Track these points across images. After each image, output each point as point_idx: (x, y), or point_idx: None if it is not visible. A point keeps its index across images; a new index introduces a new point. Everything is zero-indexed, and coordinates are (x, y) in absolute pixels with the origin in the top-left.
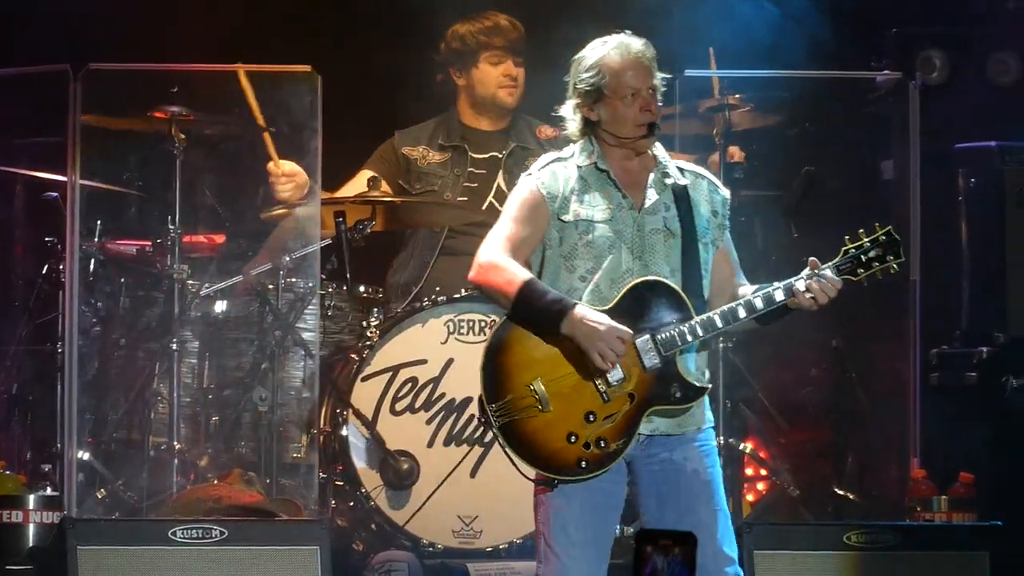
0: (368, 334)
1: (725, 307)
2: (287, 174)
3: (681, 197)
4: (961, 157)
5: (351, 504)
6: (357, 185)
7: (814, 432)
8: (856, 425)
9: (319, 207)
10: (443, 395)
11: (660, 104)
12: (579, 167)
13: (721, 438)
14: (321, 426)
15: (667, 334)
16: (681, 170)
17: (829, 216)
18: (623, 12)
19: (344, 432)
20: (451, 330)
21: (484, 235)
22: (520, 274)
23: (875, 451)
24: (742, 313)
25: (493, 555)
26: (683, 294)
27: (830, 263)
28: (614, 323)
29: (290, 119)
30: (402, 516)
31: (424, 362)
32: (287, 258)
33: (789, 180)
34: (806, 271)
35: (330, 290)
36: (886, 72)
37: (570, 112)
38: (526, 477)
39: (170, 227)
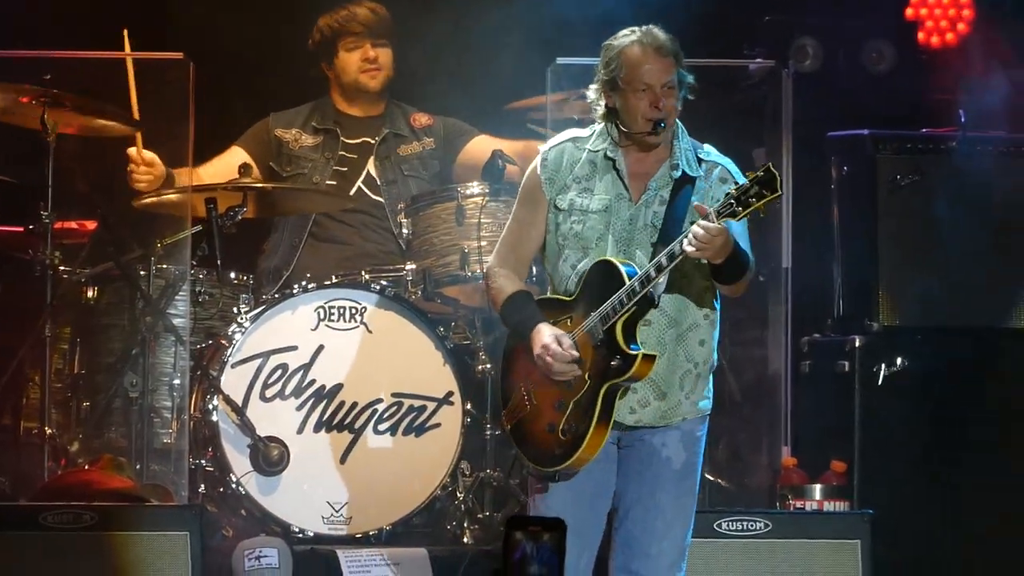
0: (239, 320)
1: (644, 270)
2: (146, 163)
3: (679, 191)
4: (833, 145)
5: (221, 490)
6: (226, 163)
7: None
8: (727, 413)
9: (191, 193)
10: (313, 381)
11: (683, 99)
12: (592, 151)
13: None
14: (192, 412)
15: (603, 309)
16: (700, 161)
17: None
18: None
19: (214, 418)
20: (321, 317)
21: (351, 221)
22: (506, 290)
23: (746, 439)
24: (653, 272)
25: (363, 541)
26: (619, 266)
27: (712, 209)
28: (549, 344)
29: (162, 106)
30: (272, 502)
31: (294, 348)
32: (158, 244)
33: None
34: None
35: (201, 276)
36: (759, 60)
37: (594, 95)
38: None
39: (42, 214)
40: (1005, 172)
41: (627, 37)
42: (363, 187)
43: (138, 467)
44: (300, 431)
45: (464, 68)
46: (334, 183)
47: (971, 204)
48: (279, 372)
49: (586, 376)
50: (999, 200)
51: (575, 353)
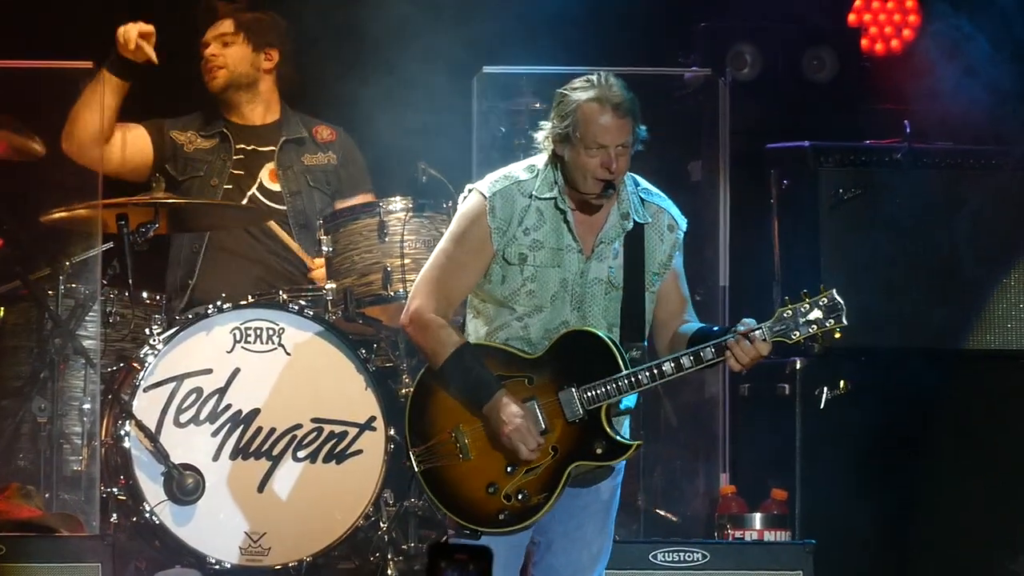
0: (151, 342)
1: (653, 364)
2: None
3: (634, 243)
4: (773, 157)
5: (134, 519)
6: (132, 140)
7: None
8: (663, 438)
9: (100, 209)
10: (229, 406)
11: (637, 151)
12: (538, 197)
13: None
14: (103, 438)
15: (592, 389)
16: (644, 202)
17: None
18: (421, 9)
19: (126, 444)
20: (237, 338)
21: (253, 233)
22: (449, 343)
23: (683, 466)
24: (669, 369)
25: (282, 573)
26: (613, 346)
27: (764, 325)
28: (524, 423)
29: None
30: (187, 532)
31: (209, 372)
32: (67, 262)
33: None
34: (736, 328)
35: (112, 296)
36: (694, 68)
37: (542, 138)
38: (451, 528)
39: None
40: (951, 185)
41: (585, 91)
42: (258, 195)
43: (47, 496)
44: (216, 458)
45: (382, 76)
46: (230, 187)
47: (916, 219)
48: (193, 396)
49: (551, 447)
50: (945, 215)
51: (542, 440)
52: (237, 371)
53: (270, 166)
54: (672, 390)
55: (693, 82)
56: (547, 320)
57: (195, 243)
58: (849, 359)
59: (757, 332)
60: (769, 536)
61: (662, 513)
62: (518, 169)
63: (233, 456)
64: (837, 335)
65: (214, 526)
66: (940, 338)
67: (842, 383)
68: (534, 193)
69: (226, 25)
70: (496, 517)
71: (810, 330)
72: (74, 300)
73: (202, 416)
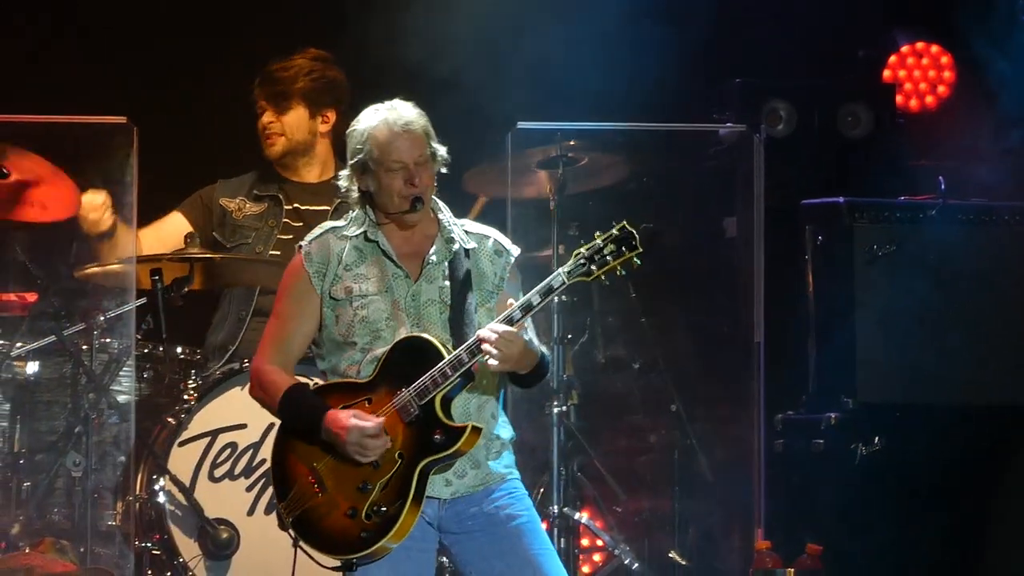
0: (185, 397)
1: (472, 341)
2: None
3: (458, 265)
4: (808, 213)
5: (168, 574)
6: (167, 230)
7: (654, 501)
8: (698, 493)
9: (135, 264)
10: (264, 461)
11: (443, 161)
12: (350, 237)
13: (555, 507)
14: (137, 492)
15: (418, 384)
16: (467, 232)
17: (669, 276)
18: (457, 61)
19: (161, 499)
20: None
21: None
22: (281, 386)
23: (718, 521)
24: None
25: None
26: (436, 342)
27: (561, 270)
28: (355, 423)
29: (104, 172)
30: None
31: (244, 426)
32: (101, 317)
33: None
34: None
35: (146, 351)
36: (729, 124)
37: (345, 182)
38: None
39: None
40: (986, 241)
41: (372, 117)
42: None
43: (81, 550)
44: (251, 512)
45: None
46: (278, 253)
47: (951, 275)
48: (228, 451)
49: (396, 455)
50: (980, 270)
51: (386, 438)
52: (271, 425)
53: None
54: (708, 446)
55: (728, 138)
56: (390, 341)
57: (241, 311)
58: (884, 415)
59: (558, 276)
60: None
61: (672, 555)
62: (333, 222)
63: (268, 511)
64: (636, 263)
65: None
66: (975, 394)
67: (877, 439)
68: (346, 234)
69: (282, 94)
70: (359, 538)
71: (607, 261)
72: (108, 355)
73: (237, 471)
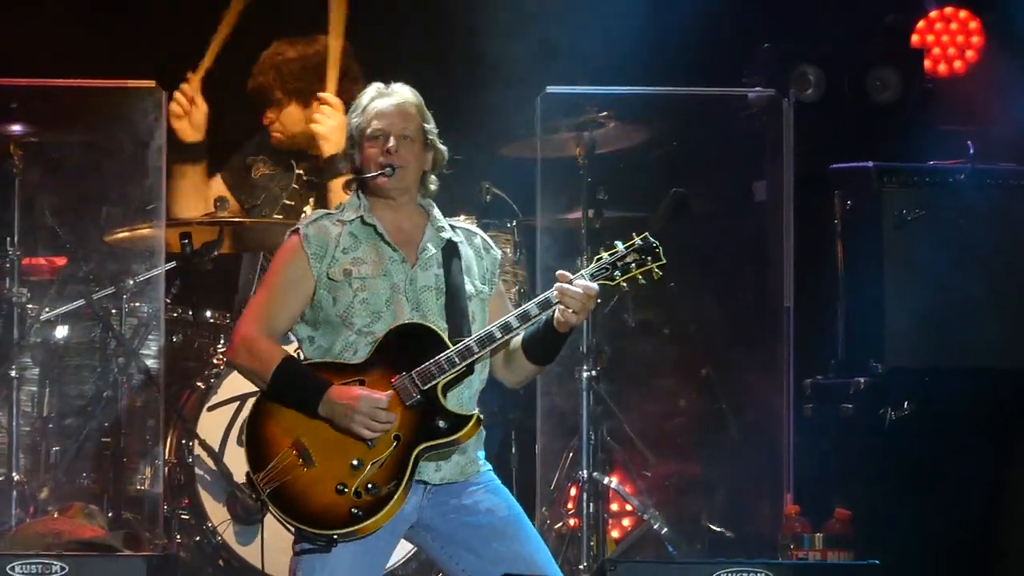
0: (215, 361)
1: (482, 331)
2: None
3: (450, 254)
4: (837, 178)
5: (197, 539)
6: (212, 194)
7: (683, 465)
8: (727, 458)
9: (164, 228)
10: None
11: (442, 160)
12: (346, 222)
13: (585, 472)
14: (166, 457)
15: (423, 369)
16: (454, 227)
17: (699, 239)
18: (484, 29)
19: (190, 463)
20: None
21: None
22: (275, 356)
23: (747, 485)
24: (499, 334)
25: None
26: (438, 330)
27: (583, 271)
28: (366, 393)
29: (134, 136)
30: (250, 552)
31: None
32: (131, 281)
33: (656, 202)
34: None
35: (175, 315)
36: (758, 89)
37: (344, 157)
38: (302, 543)
39: (8, 249)
40: (1015, 205)
41: (367, 92)
42: None
43: (110, 515)
44: None
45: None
46: (280, 217)
47: (980, 239)
48: None
49: (392, 436)
50: (1009, 234)
51: (393, 416)
52: None
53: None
54: (737, 411)
55: (757, 103)
56: (391, 322)
57: (249, 273)
58: (913, 379)
59: (579, 278)
60: (832, 557)
61: (716, 528)
62: (326, 209)
63: None
64: (657, 275)
65: (278, 545)
66: (1004, 357)
67: (906, 403)
68: (341, 219)
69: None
70: (349, 514)
71: (630, 269)
72: (137, 319)
73: None
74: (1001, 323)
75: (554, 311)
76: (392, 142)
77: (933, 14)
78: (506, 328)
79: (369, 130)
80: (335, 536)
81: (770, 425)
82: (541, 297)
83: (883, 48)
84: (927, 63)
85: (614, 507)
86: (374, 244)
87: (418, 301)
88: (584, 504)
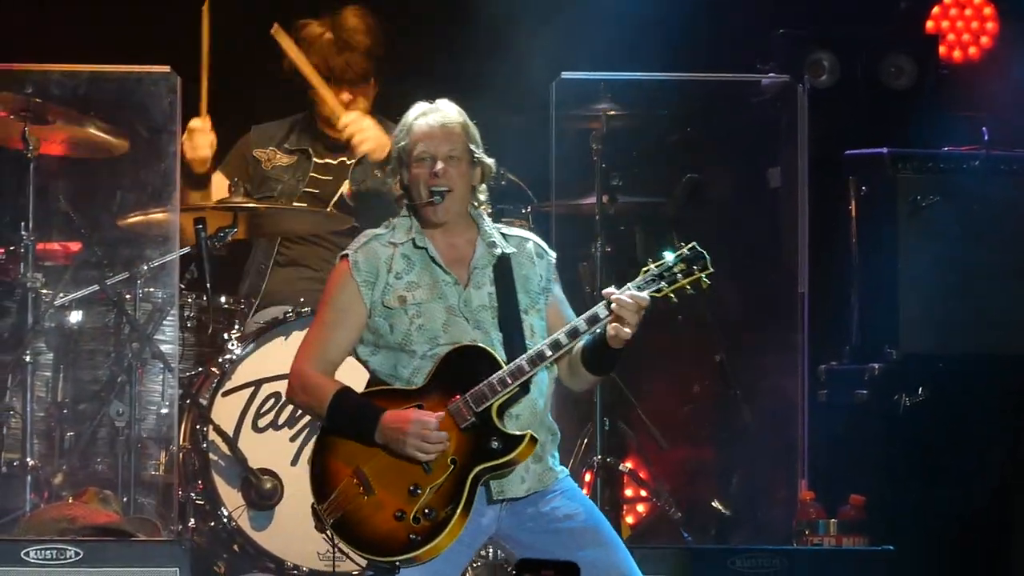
0: (229, 347)
1: (532, 350)
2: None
3: (503, 270)
4: (851, 164)
5: (212, 524)
6: (214, 190)
7: (697, 451)
8: (741, 444)
9: (178, 213)
10: None
11: (490, 173)
12: (398, 244)
13: (599, 457)
14: (181, 442)
15: (476, 391)
16: (505, 236)
17: (713, 225)
18: (499, 16)
19: (204, 449)
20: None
21: (323, 244)
22: (328, 390)
23: (761, 471)
24: (549, 352)
25: None
26: (491, 350)
27: (631, 284)
28: (417, 415)
29: (148, 121)
30: (265, 537)
31: (287, 376)
32: (145, 266)
33: (671, 188)
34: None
35: (190, 300)
36: (772, 75)
37: (390, 176)
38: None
39: (23, 234)
40: None
41: (412, 112)
42: (335, 211)
43: (124, 500)
44: (294, 463)
45: (460, 82)
46: (304, 205)
47: (994, 225)
48: (272, 401)
49: (449, 460)
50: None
51: (444, 436)
52: None
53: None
54: (751, 397)
55: (771, 89)
56: (453, 343)
57: (262, 262)
58: (928, 365)
59: (627, 290)
60: (847, 542)
61: (715, 505)
62: (376, 229)
63: None
64: (705, 284)
65: (292, 531)
66: (1019, 343)
67: (920, 389)
68: (392, 241)
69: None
70: (408, 540)
71: (676, 279)
72: (152, 304)
73: (280, 421)
74: (1015, 308)
75: (606, 325)
76: (440, 165)
77: (947, 0)
78: (556, 346)
79: (416, 152)
80: (397, 563)
81: (785, 411)
82: (589, 312)
83: (898, 34)
84: (941, 49)
85: (628, 492)
86: (427, 266)
87: (477, 321)
88: (599, 490)
